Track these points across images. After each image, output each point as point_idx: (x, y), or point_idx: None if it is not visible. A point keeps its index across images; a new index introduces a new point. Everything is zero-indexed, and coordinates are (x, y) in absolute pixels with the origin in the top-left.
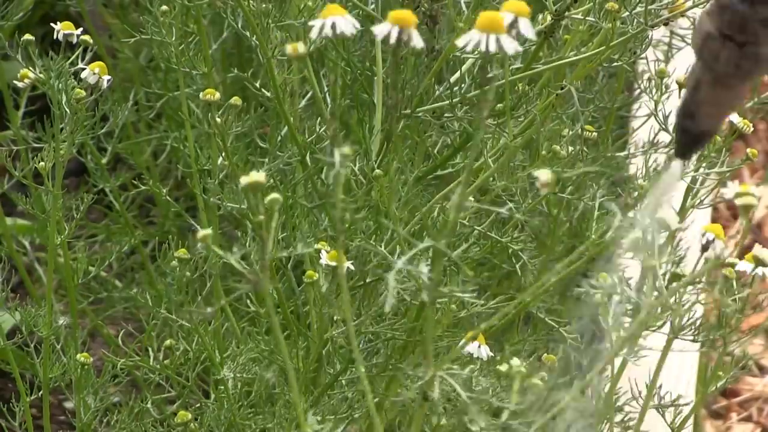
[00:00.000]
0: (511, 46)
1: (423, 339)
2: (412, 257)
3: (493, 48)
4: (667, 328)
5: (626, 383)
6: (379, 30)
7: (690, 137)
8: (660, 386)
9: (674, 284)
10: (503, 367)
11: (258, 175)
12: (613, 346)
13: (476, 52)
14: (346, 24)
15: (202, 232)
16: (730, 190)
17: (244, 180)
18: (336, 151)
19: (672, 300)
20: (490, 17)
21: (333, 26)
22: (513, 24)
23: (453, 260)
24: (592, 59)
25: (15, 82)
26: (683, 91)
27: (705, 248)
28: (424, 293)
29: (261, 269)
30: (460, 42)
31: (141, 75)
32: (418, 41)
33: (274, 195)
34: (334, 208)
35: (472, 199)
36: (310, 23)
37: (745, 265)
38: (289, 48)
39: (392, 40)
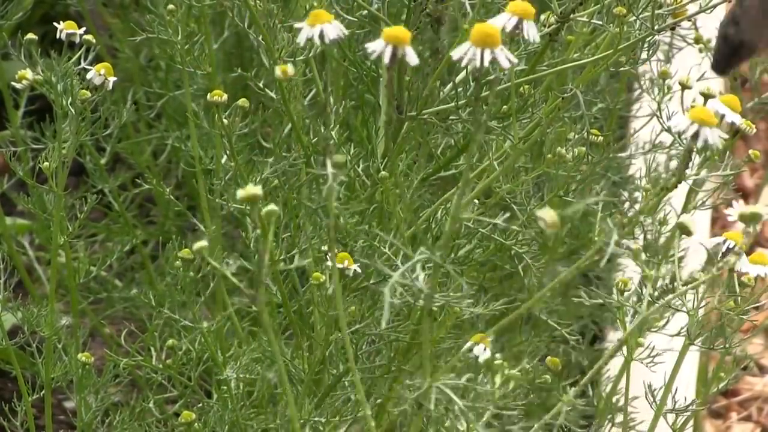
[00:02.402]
0: (505, 61)
1: (421, 348)
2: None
3: (487, 62)
4: (668, 329)
5: (625, 384)
6: (373, 47)
7: (730, 47)
8: (676, 390)
9: (683, 286)
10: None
11: (254, 189)
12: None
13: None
14: (334, 30)
15: (198, 244)
16: (734, 210)
17: (240, 193)
18: (329, 163)
19: (688, 304)
20: (485, 32)
21: (321, 34)
22: (517, 26)
23: (455, 264)
24: (599, 63)
25: (13, 83)
26: (685, 91)
27: (725, 255)
28: (421, 302)
29: (257, 284)
30: (455, 55)
31: (141, 74)
32: (412, 58)
33: (272, 206)
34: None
35: (477, 201)
36: (297, 25)
37: (746, 266)
38: (278, 71)
39: (386, 59)
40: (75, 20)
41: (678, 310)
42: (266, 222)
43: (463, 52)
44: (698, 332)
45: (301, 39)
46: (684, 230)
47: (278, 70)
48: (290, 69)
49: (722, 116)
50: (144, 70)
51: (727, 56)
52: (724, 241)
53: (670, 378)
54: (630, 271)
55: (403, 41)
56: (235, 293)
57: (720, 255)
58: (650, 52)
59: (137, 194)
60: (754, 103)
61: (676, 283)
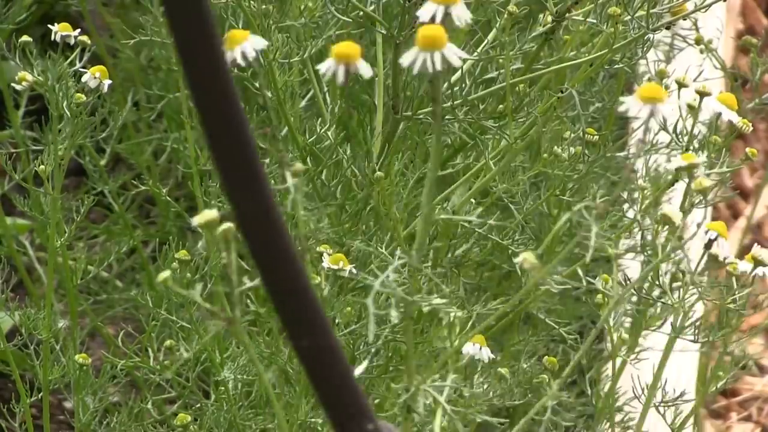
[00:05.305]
0: (457, 60)
1: (405, 354)
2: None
3: (439, 66)
4: (666, 328)
5: (627, 383)
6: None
7: None
8: (666, 381)
9: (676, 283)
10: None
11: (210, 213)
12: (614, 346)
13: (476, 54)
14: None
15: (162, 275)
16: (674, 163)
17: (196, 220)
18: (288, 174)
19: (674, 299)
20: (429, 34)
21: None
22: (445, 14)
23: (458, 257)
24: (594, 62)
25: (14, 84)
26: (683, 90)
27: (708, 246)
28: (397, 308)
29: (232, 306)
30: (403, 61)
31: (141, 75)
32: (366, 71)
33: (227, 225)
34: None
35: (474, 201)
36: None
37: (745, 265)
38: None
39: (339, 78)
40: (75, 20)
41: (670, 308)
42: (227, 240)
43: (412, 58)
44: (684, 326)
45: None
46: (667, 221)
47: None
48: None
49: (719, 114)
50: (144, 70)
51: None
52: (706, 232)
53: (657, 372)
54: (630, 271)
55: (353, 58)
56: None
57: (705, 246)
58: (644, 49)
59: (138, 195)
60: (755, 104)
61: (662, 282)
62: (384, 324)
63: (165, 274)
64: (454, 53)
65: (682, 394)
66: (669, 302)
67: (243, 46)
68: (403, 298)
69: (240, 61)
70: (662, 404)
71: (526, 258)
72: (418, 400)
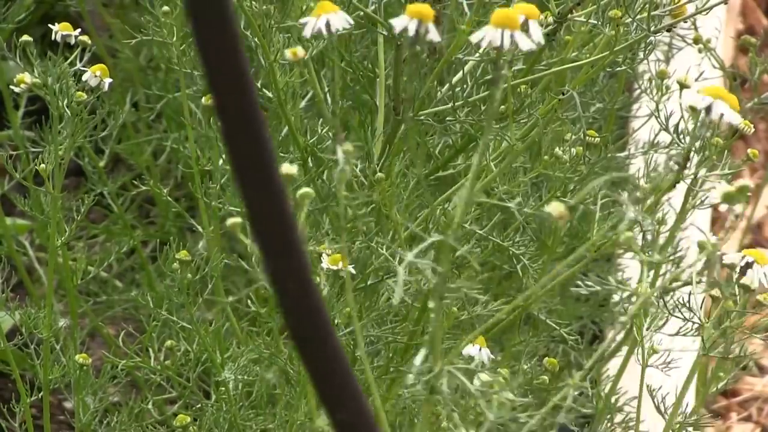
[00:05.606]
0: (525, 42)
1: (431, 334)
2: (419, 252)
3: (507, 44)
4: (668, 329)
5: (627, 383)
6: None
7: None
8: (666, 395)
9: (677, 284)
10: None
11: (290, 168)
12: (612, 346)
13: (478, 54)
14: (339, 20)
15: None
16: (719, 190)
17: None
18: (339, 150)
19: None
20: (505, 13)
21: (327, 24)
22: (523, 26)
23: (460, 258)
24: (595, 64)
25: (12, 87)
26: (684, 90)
27: (743, 272)
28: (432, 290)
29: None
30: (474, 37)
31: (141, 75)
32: (435, 36)
33: (306, 189)
34: (337, 206)
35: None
36: (301, 21)
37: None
38: (288, 53)
39: (410, 32)
40: (75, 20)
41: (682, 308)
42: (301, 202)
43: (483, 34)
44: (713, 342)
45: (306, 32)
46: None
47: (288, 53)
48: (300, 51)
49: (720, 115)
50: (144, 70)
51: None
52: (743, 257)
53: (682, 390)
54: (630, 271)
55: (426, 18)
56: (233, 293)
57: (738, 270)
58: (646, 52)
59: (137, 195)
60: (754, 103)
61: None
62: (383, 324)
63: (234, 220)
64: (523, 38)
65: (698, 420)
66: (681, 307)
67: (329, 16)
68: (433, 276)
69: (323, 30)
70: (683, 425)
71: (556, 207)
72: (442, 380)
